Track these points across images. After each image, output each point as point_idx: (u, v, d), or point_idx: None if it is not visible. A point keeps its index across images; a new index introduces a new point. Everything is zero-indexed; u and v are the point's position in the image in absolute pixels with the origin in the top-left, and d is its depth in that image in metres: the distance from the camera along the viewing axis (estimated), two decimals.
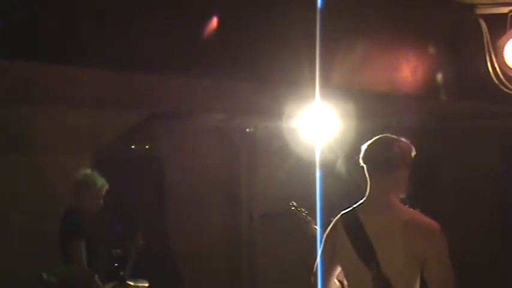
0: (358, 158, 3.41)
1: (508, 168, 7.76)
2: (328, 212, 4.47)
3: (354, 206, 3.43)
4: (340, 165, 6.19)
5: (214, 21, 3.68)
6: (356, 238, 3.32)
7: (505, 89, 5.15)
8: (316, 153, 4.75)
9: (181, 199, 6.94)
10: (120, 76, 3.70)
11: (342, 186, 6.00)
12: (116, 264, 4.91)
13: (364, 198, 3.40)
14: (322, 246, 3.51)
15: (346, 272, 3.44)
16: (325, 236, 3.52)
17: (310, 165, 4.87)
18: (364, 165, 3.38)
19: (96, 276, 4.98)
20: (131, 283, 4.99)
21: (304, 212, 5.37)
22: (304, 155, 5.15)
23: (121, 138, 6.38)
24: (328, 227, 3.54)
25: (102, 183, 5.20)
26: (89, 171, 5.27)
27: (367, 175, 3.38)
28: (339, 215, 3.48)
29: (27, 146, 5.54)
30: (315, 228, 5.19)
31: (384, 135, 3.41)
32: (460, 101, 5.68)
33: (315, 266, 3.55)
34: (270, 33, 3.98)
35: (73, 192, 5.21)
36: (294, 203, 5.44)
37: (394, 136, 3.41)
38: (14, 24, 2.92)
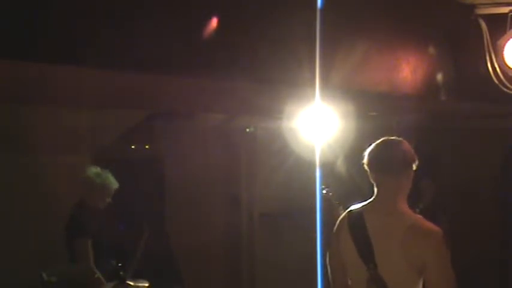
0: (360, 160, 3.40)
1: (508, 168, 7.76)
2: (328, 212, 4.48)
3: (362, 204, 3.42)
4: (340, 165, 6.19)
5: (214, 21, 3.69)
6: (358, 237, 3.33)
7: (505, 89, 5.16)
8: (316, 153, 4.75)
9: (181, 199, 6.94)
10: (120, 76, 3.70)
11: (342, 186, 6.01)
12: (120, 265, 4.91)
13: (371, 199, 3.40)
14: (330, 241, 3.52)
15: (348, 270, 3.45)
16: (333, 231, 3.52)
17: (310, 165, 4.87)
18: (370, 169, 3.36)
19: (97, 274, 4.99)
20: (131, 283, 4.99)
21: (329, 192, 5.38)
22: (304, 155, 5.15)
23: (121, 138, 6.38)
24: (327, 226, 3.55)
25: (113, 181, 5.26)
26: (100, 169, 5.31)
27: (373, 178, 3.37)
28: (346, 211, 3.48)
29: (26, 146, 5.54)
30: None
31: (387, 137, 3.40)
32: (460, 101, 5.68)
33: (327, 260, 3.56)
34: (270, 33, 3.98)
35: (84, 188, 5.24)
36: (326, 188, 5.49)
37: (397, 138, 3.39)
38: (14, 24, 2.92)
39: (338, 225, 3.49)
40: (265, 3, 3.96)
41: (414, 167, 3.36)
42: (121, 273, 4.86)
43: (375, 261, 3.23)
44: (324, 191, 5.46)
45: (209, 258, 7.01)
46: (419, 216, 3.34)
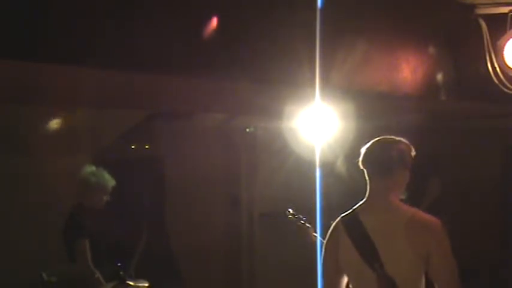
0: (358, 160, 3.40)
1: (508, 168, 7.76)
2: (328, 212, 4.47)
3: (354, 207, 3.42)
4: (340, 165, 6.19)
5: (214, 22, 3.69)
6: (358, 239, 3.31)
7: (505, 89, 5.16)
8: (316, 153, 4.75)
9: (181, 199, 6.94)
10: (120, 76, 3.71)
11: (342, 186, 6.01)
12: (119, 264, 4.91)
13: (364, 200, 3.40)
14: (323, 251, 3.49)
15: (350, 275, 3.42)
16: (325, 241, 3.50)
17: (310, 165, 4.87)
18: (364, 167, 3.38)
19: (97, 274, 4.99)
20: (131, 283, 4.99)
21: (302, 218, 5.27)
22: (304, 155, 5.15)
23: (121, 138, 6.38)
24: (328, 228, 3.53)
25: (108, 178, 5.24)
26: (94, 167, 5.30)
27: (366, 177, 3.38)
28: (338, 218, 3.47)
29: (26, 146, 5.54)
30: (315, 236, 5.14)
31: (383, 136, 3.41)
32: (460, 101, 5.69)
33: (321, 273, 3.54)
34: (270, 33, 3.98)
35: (79, 188, 5.23)
36: (291, 210, 5.33)
37: (393, 137, 3.40)
38: (14, 24, 2.92)
39: (331, 233, 3.46)
40: (265, 3, 3.96)
41: (409, 165, 3.37)
42: (121, 273, 4.86)
43: (380, 260, 3.24)
44: (290, 215, 5.32)
45: (209, 258, 7.00)
46: (416, 209, 3.35)
